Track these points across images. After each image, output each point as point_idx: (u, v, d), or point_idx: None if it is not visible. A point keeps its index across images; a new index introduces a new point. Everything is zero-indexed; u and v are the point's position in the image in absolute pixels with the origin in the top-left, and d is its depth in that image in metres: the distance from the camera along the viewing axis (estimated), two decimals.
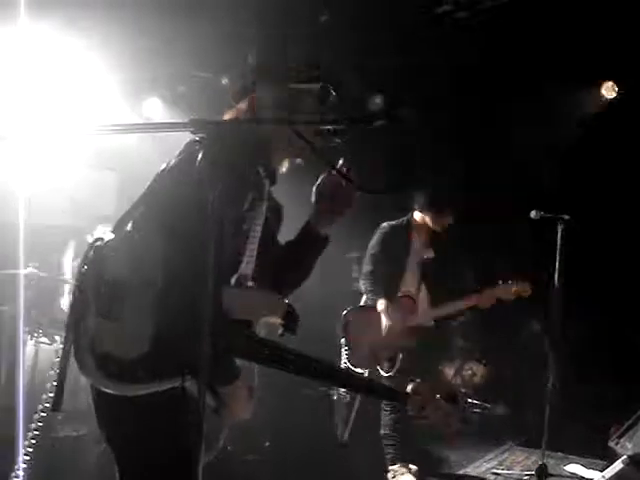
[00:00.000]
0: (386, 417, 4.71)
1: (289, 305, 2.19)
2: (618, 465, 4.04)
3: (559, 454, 5.14)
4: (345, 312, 4.72)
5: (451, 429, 2.21)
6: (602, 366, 5.64)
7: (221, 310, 1.95)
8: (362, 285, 4.85)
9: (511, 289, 4.56)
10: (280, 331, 2.18)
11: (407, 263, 4.80)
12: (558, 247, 4.59)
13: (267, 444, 4.79)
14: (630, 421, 4.64)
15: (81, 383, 2.05)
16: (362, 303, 4.87)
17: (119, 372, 1.93)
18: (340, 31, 5.16)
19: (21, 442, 3.85)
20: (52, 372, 4.02)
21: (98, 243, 2.03)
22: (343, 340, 4.64)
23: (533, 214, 4.68)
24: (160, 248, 1.94)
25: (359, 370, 4.54)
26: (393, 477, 4.63)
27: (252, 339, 2.13)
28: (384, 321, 4.53)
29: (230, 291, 2.08)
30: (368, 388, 2.62)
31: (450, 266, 5.03)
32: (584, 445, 5.18)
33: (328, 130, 2.10)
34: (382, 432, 4.72)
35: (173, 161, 2.07)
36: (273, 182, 2.28)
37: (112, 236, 2.05)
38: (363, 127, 1.77)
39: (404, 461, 4.65)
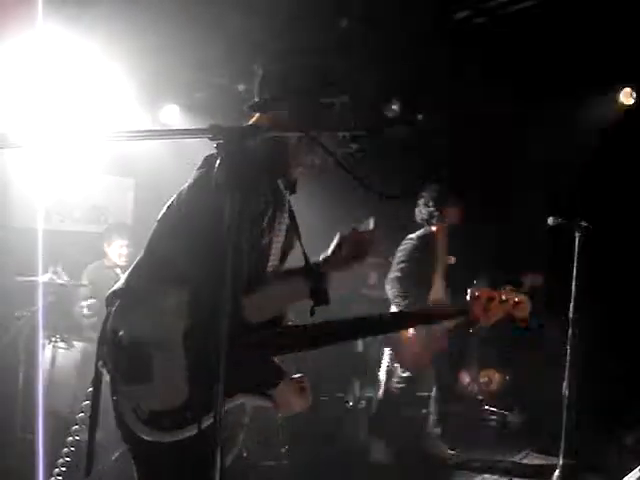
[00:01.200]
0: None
1: (312, 281, 2.17)
2: (635, 474, 4.00)
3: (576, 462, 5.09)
4: None
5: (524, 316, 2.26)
6: (620, 373, 5.59)
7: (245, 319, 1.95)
8: (390, 291, 5.07)
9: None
10: (311, 306, 2.18)
11: (435, 271, 5.10)
12: (575, 253, 4.57)
13: (283, 450, 4.79)
14: None
15: None
16: (393, 309, 5.05)
17: (171, 424, 1.92)
18: (357, 37, 5.15)
19: (40, 442, 3.90)
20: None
21: (110, 316, 2.01)
22: (387, 349, 5.19)
23: (551, 220, 4.65)
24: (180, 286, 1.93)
25: (407, 374, 5.09)
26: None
27: (287, 333, 2.15)
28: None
29: (256, 295, 2.06)
30: (424, 318, 2.66)
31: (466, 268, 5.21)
32: (601, 453, 5.13)
33: (344, 137, 2.09)
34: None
35: (192, 177, 2.08)
36: (292, 192, 2.27)
37: (122, 301, 2.02)
38: (381, 133, 1.77)
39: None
